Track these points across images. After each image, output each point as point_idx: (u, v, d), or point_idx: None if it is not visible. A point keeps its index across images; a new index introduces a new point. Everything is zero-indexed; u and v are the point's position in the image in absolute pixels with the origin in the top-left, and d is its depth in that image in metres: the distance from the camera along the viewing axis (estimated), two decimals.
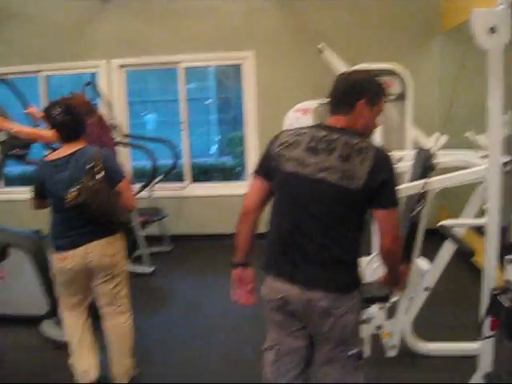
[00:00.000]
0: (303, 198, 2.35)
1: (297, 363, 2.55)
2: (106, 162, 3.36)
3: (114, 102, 6.93)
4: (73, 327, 3.64)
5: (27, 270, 4.45)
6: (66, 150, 3.41)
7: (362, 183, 2.22)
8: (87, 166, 3.26)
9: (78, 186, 3.21)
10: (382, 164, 2.26)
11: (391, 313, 3.89)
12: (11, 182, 8.03)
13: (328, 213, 2.31)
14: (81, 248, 3.37)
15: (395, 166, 2.34)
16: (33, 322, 4.56)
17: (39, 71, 7.46)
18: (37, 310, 4.49)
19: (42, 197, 3.48)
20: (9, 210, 6.11)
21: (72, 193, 3.19)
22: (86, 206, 3.24)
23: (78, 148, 3.40)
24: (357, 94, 2.36)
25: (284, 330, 2.52)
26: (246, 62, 7.03)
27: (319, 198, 2.31)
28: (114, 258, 3.49)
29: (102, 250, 3.41)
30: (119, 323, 3.64)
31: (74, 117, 3.43)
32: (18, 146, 4.53)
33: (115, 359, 3.65)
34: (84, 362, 3.61)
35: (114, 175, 3.42)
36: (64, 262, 3.39)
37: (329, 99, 2.44)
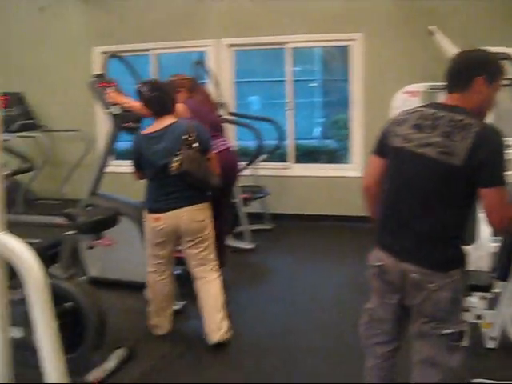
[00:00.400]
0: (406, 172, 2.40)
1: (384, 332, 2.63)
2: (198, 133, 3.75)
3: (222, 82, 7.04)
4: (157, 291, 4.07)
5: (134, 238, 4.64)
6: (159, 125, 3.77)
7: (462, 160, 2.19)
8: (183, 137, 3.65)
9: (180, 156, 3.60)
10: (485, 141, 2.19)
11: (494, 303, 3.79)
12: (119, 155, 8.32)
13: (427, 188, 2.33)
14: (174, 211, 3.76)
15: (503, 146, 2.25)
16: (138, 287, 4.77)
17: (151, 49, 7.71)
18: (141, 276, 4.67)
19: (140, 168, 3.87)
20: (117, 182, 6.35)
21: (175, 162, 3.58)
22: (188, 174, 3.64)
23: (170, 122, 3.76)
24: (476, 70, 2.32)
25: (380, 298, 2.59)
26: (354, 43, 6.95)
27: (419, 173, 2.34)
28: (202, 224, 3.90)
29: (192, 216, 3.82)
30: (209, 280, 4.00)
31: (160, 94, 3.79)
32: (130, 120, 4.71)
33: (207, 317, 3.96)
34: (159, 318, 4.10)
35: (205, 145, 3.82)
36: (157, 222, 3.77)
37: (445, 77, 2.42)
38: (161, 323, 4.12)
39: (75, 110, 7.86)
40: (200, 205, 3.87)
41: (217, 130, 4.82)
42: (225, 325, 3.97)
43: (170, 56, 8.30)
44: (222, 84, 7.00)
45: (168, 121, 3.79)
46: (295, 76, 7.52)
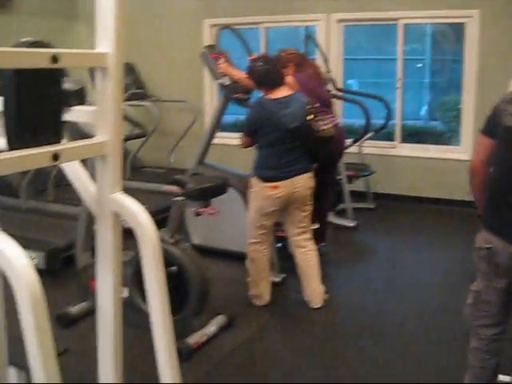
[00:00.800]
0: None
1: (490, 315, 2.58)
2: None
3: (330, 57, 6.93)
4: (258, 262, 4.14)
5: (238, 209, 4.69)
6: (279, 93, 3.88)
7: None
8: (308, 107, 3.86)
9: (324, 121, 3.93)
10: None
11: None
12: (224, 128, 8.41)
13: None
14: (291, 179, 3.88)
15: None
16: (238, 258, 4.83)
17: (261, 23, 7.69)
18: (243, 247, 4.72)
19: (255, 133, 3.94)
20: (221, 153, 6.44)
21: (326, 126, 3.94)
22: (330, 138, 4.00)
23: (290, 92, 3.91)
24: None
25: (487, 281, 2.53)
26: (470, 20, 6.64)
27: None
28: (310, 191, 4.06)
29: (305, 183, 3.99)
30: (307, 250, 4.16)
31: (272, 67, 3.94)
32: (240, 91, 4.73)
33: (307, 284, 4.15)
34: (259, 289, 4.18)
35: None
36: (275, 190, 3.86)
37: None
38: (260, 294, 4.17)
39: (184, 80, 8.00)
40: (310, 173, 4.04)
41: (325, 105, 4.76)
42: (322, 289, 4.19)
43: (276, 30, 8.24)
44: (331, 60, 6.89)
45: (285, 91, 3.92)
46: (406, 54, 7.30)
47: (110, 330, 2.34)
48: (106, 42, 2.10)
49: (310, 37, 6.43)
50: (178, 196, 3.59)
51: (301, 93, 4.04)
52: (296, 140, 3.89)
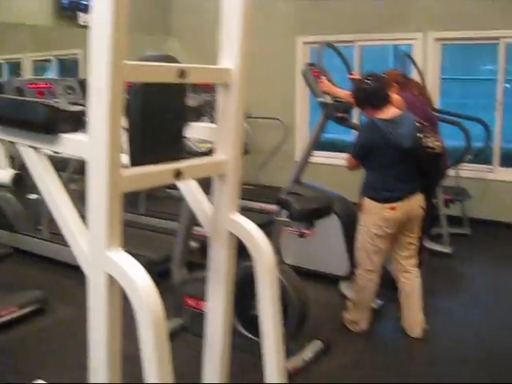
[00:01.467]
0: None
1: None
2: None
3: (426, 77, 6.74)
4: (366, 290, 3.99)
5: (335, 231, 4.58)
6: (387, 113, 3.79)
7: None
8: (418, 125, 3.79)
9: (433, 138, 3.82)
10: None
11: None
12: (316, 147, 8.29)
13: None
14: (408, 199, 3.80)
15: None
16: (331, 280, 4.72)
17: (355, 41, 7.59)
18: (338, 270, 4.63)
19: (366, 155, 3.84)
20: (313, 172, 6.35)
21: (433, 143, 3.79)
22: (436, 156, 3.84)
23: (399, 112, 3.82)
24: None
25: None
26: None
27: None
28: (423, 212, 3.94)
29: (419, 202, 3.90)
30: (413, 276, 4.01)
31: (382, 86, 3.84)
32: (340, 110, 4.65)
33: (408, 311, 4.01)
34: (360, 315, 4.02)
35: None
36: (394, 211, 3.77)
37: None
38: (360, 320, 4.03)
39: (275, 97, 7.95)
40: (421, 192, 3.93)
41: (432, 125, 4.60)
42: (423, 318, 4.01)
43: (366, 48, 8.07)
44: (428, 79, 6.71)
45: (394, 110, 3.82)
46: (492, 75, 7.04)
47: (217, 350, 2.30)
48: (230, 58, 2.06)
49: (407, 55, 6.27)
50: (281, 216, 3.52)
51: (408, 112, 3.93)
52: (411, 159, 3.79)
